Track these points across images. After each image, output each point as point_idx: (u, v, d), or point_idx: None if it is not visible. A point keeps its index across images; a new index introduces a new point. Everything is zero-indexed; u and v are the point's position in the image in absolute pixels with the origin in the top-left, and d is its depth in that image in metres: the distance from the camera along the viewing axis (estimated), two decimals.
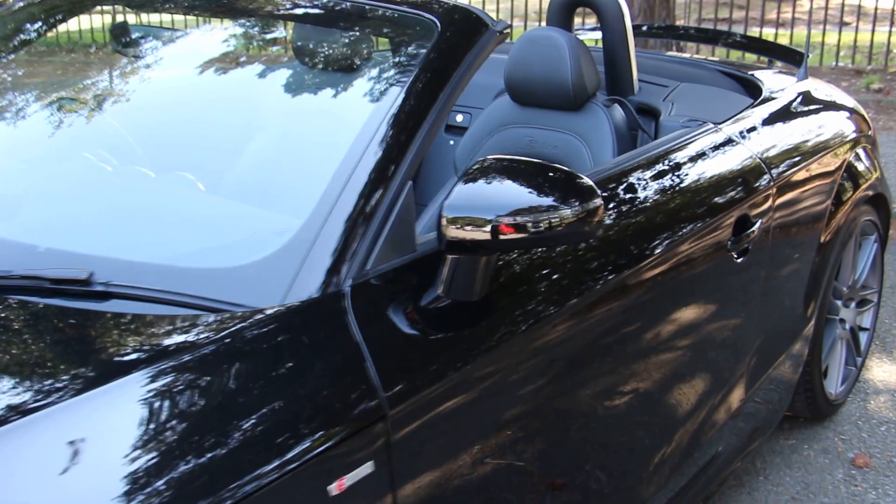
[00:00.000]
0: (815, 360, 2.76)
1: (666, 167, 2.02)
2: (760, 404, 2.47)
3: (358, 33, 1.88)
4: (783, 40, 9.31)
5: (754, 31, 9.06)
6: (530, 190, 1.34)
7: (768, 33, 8.83)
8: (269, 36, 1.98)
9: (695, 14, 11.18)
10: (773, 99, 2.63)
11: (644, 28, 3.76)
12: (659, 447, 1.97)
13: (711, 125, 2.28)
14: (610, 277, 1.69)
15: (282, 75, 1.94)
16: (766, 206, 2.22)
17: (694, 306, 2.00)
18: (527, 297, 1.52)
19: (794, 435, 2.90)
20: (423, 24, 1.74)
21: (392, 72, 1.71)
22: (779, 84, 2.86)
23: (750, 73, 2.91)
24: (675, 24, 4.31)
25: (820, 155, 2.55)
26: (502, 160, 1.39)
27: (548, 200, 1.33)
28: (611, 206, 1.80)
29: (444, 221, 1.33)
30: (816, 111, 2.78)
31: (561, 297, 1.57)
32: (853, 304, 3.02)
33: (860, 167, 2.83)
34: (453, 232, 1.32)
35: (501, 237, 1.31)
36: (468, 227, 1.32)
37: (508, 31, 1.75)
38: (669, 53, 3.32)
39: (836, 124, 2.78)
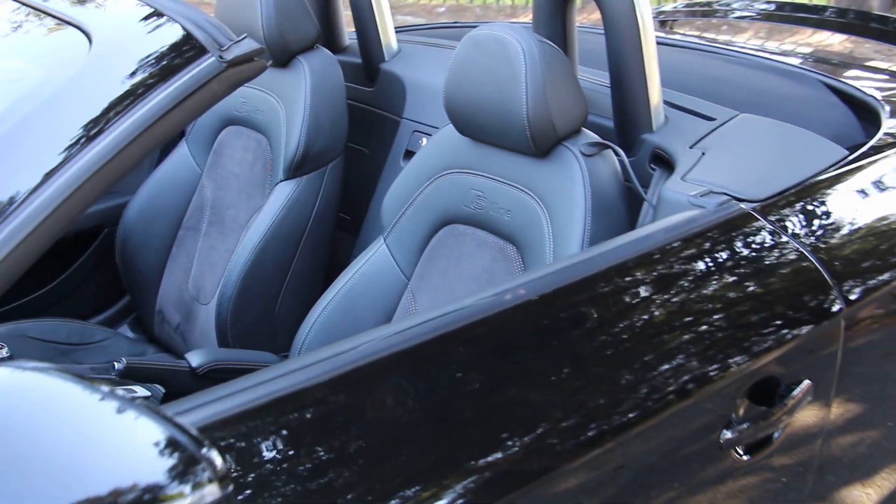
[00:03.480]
0: None
1: (638, 282, 1.20)
2: None
3: None
4: None
5: None
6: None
7: None
8: None
9: None
10: (890, 146, 1.62)
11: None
12: None
13: (741, 205, 1.36)
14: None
15: None
16: (825, 354, 1.31)
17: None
18: None
19: None
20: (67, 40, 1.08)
21: None
22: None
23: (873, 91, 1.87)
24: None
25: None
26: None
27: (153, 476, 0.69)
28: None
29: None
30: None
31: None
32: None
33: None
34: None
35: None
36: None
37: (260, 58, 0.96)
38: (765, 45, 2.29)
39: None
